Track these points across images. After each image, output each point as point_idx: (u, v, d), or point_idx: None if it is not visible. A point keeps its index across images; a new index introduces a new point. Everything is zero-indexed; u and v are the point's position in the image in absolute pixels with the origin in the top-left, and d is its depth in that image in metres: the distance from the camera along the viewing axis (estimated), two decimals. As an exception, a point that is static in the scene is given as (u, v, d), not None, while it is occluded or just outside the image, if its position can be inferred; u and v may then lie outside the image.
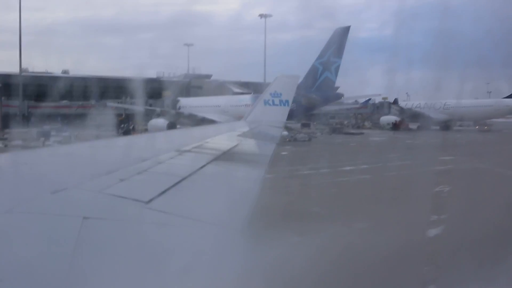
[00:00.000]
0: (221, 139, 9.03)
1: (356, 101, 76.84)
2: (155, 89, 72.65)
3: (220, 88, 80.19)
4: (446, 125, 74.94)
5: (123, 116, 58.92)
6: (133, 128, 59.00)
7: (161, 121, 52.16)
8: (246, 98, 57.09)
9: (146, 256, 2.51)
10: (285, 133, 54.96)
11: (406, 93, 77.16)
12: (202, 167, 5.26)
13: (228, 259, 2.75)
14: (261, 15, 75.22)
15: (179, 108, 57.32)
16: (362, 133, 64.39)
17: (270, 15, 75.53)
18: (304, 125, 65.19)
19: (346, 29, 47.20)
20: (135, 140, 10.07)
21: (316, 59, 48.24)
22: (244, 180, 5.47)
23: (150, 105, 59.01)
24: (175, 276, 2.37)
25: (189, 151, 6.48)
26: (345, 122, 77.45)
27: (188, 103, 59.70)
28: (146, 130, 56.18)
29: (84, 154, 6.28)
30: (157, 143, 8.31)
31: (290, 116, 50.47)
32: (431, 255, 11.15)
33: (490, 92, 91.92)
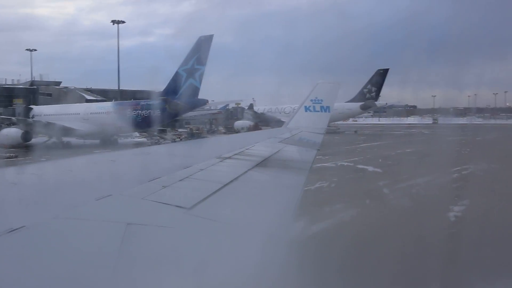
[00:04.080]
0: (262, 145, 9.00)
1: (210, 107, 78.19)
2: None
3: (72, 96, 76.49)
4: None
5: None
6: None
7: (14, 131, 47.99)
8: (108, 105, 55.23)
9: (189, 261, 2.55)
10: (144, 139, 54.21)
11: (252, 98, 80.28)
12: (243, 173, 5.29)
13: (270, 265, 2.75)
14: (113, 21, 72.63)
15: (33, 117, 53.39)
16: None
17: (123, 22, 73.34)
18: (161, 132, 64.78)
19: (210, 37, 47.90)
20: (177, 148, 9.93)
21: (180, 66, 48.10)
22: (285, 187, 5.42)
23: (0, 114, 54.19)
24: (218, 282, 2.38)
25: (230, 157, 6.48)
26: (201, 127, 78.65)
27: (42, 111, 55.61)
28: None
29: (127, 161, 6.18)
30: (198, 150, 8.07)
31: (153, 123, 49.88)
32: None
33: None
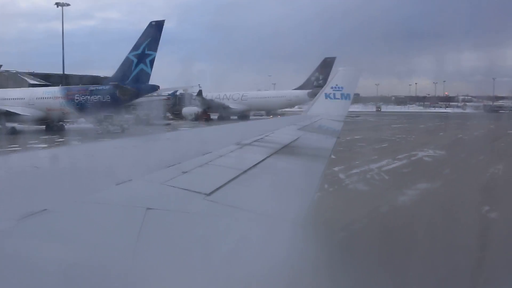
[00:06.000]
0: (282, 132, 8.90)
1: (157, 93, 77.24)
2: None
3: (13, 80, 73.60)
4: (243, 115, 79.76)
5: None
6: None
7: None
8: (55, 90, 53.40)
9: (206, 247, 2.56)
10: (91, 125, 52.88)
11: (198, 84, 79.58)
12: (262, 160, 5.28)
13: (287, 252, 2.75)
14: (57, 4, 69.72)
15: None
16: (169, 124, 64.91)
17: (67, 4, 70.53)
18: (107, 117, 63.26)
19: (161, 23, 47.37)
20: (196, 133, 9.94)
21: (130, 52, 47.05)
22: (304, 174, 5.39)
23: None
24: (235, 268, 2.39)
25: (249, 144, 6.46)
26: (149, 113, 77.27)
27: None
28: None
29: (147, 147, 6.15)
30: (217, 136, 7.90)
31: (102, 109, 48.68)
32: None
33: (275, 84, 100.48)
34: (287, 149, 6.70)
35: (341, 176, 21.39)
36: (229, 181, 3.96)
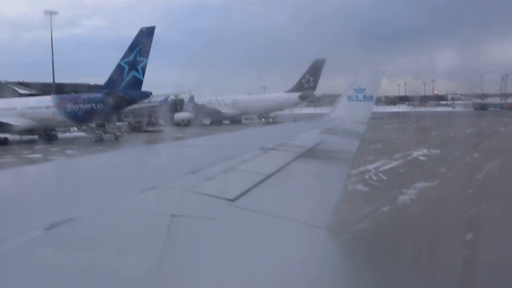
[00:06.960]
0: (305, 136, 8.85)
1: (149, 99, 77.00)
2: None
3: (3, 90, 73.07)
4: (235, 119, 79.78)
5: None
6: None
7: None
8: (47, 99, 53.06)
9: (232, 253, 2.54)
10: (84, 134, 52.60)
11: (189, 90, 79.73)
12: (286, 164, 5.24)
13: (314, 258, 2.72)
14: (46, 12, 69.30)
15: None
16: (161, 130, 64.81)
17: (56, 12, 70.16)
18: (99, 125, 63.00)
19: (151, 29, 47.29)
20: (219, 139, 9.80)
21: (122, 59, 46.63)
22: (328, 178, 5.34)
23: None
24: (261, 274, 2.35)
25: (273, 149, 6.42)
26: (141, 120, 77.19)
27: None
28: None
29: (171, 154, 6.36)
30: (241, 141, 7.87)
31: (96, 116, 48.40)
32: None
33: (265, 87, 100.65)
34: (310, 153, 6.67)
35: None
36: (253, 186, 3.93)
